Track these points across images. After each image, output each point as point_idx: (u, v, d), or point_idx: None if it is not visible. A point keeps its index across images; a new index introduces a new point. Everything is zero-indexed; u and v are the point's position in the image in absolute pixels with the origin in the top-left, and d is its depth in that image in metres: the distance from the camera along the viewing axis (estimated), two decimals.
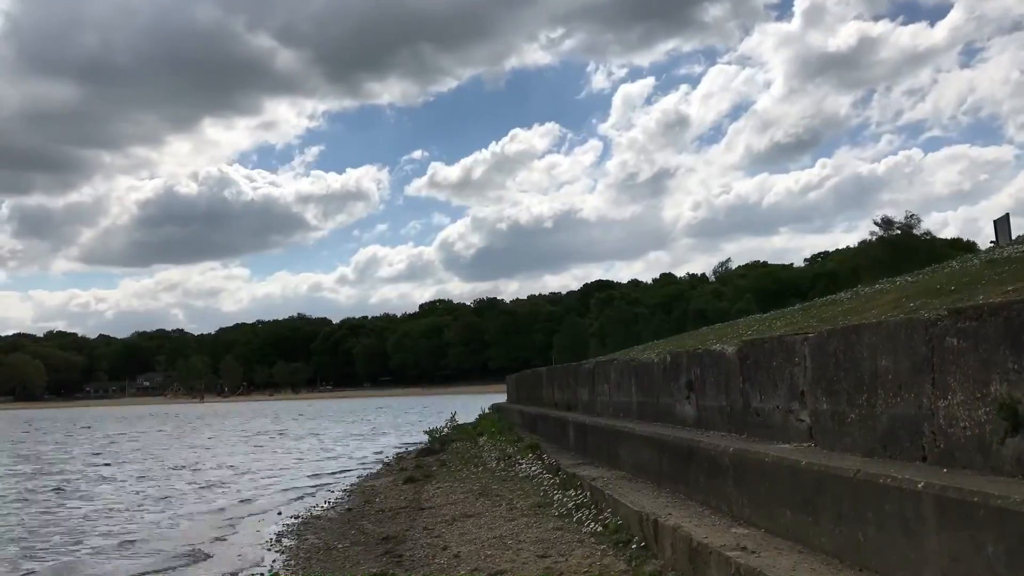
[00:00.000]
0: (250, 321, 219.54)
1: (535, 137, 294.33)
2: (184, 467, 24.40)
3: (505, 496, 11.60)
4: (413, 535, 9.88)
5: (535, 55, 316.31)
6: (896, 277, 14.46)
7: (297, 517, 13.24)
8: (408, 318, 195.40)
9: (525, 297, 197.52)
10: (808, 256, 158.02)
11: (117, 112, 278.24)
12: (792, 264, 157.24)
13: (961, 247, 76.62)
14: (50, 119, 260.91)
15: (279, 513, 14.05)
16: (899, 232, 79.41)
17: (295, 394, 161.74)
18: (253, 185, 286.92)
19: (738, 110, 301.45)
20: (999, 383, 4.11)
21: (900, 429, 4.96)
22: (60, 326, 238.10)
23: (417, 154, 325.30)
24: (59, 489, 19.42)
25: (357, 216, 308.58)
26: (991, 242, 30.35)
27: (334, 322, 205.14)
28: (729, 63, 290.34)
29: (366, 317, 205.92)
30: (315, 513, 13.55)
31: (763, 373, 6.96)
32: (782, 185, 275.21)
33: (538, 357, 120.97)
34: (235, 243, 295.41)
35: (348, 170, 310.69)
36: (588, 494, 9.54)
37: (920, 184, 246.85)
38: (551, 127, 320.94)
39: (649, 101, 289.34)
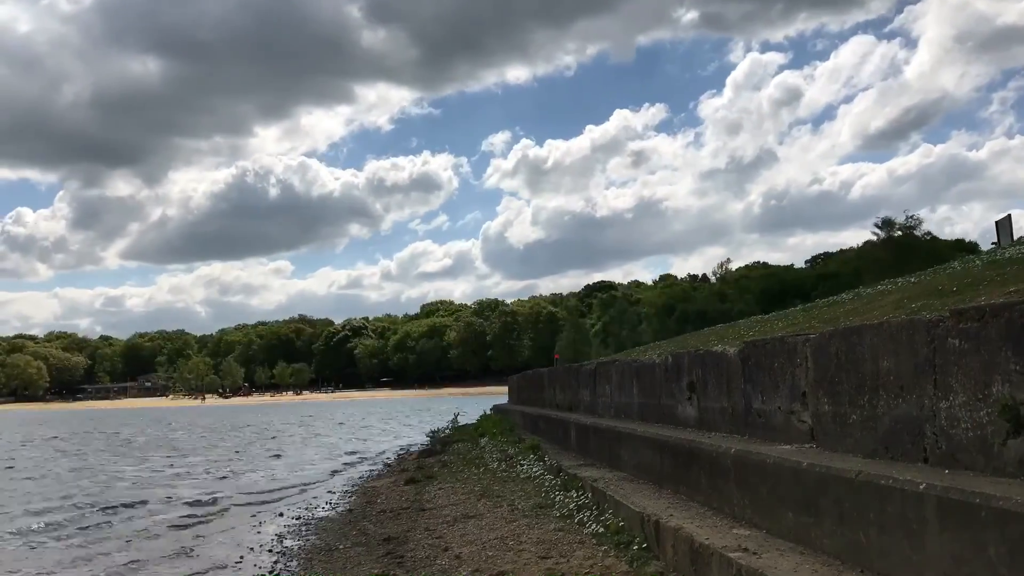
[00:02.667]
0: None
1: (638, 119, 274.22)
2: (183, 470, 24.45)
3: (506, 497, 11.59)
4: (415, 536, 9.87)
5: (662, 32, 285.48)
6: (898, 278, 14.46)
7: (298, 518, 13.25)
8: (409, 319, 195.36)
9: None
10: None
11: (201, 98, 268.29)
12: (793, 265, 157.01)
13: (963, 248, 76.70)
14: (129, 106, 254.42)
15: (280, 514, 14.05)
16: (899, 233, 79.42)
17: (297, 395, 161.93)
18: (326, 178, 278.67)
19: (856, 90, 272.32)
20: (1001, 384, 4.11)
21: (902, 430, 4.96)
22: (84, 323, 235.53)
23: (498, 139, 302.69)
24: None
25: (431, 206, 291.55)
26: (992, 243, 30.35)
27: (339, 322, 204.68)
28: (877, 37, 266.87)
29: (367, 318, 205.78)
30: (316, 514, 13.56)
31: (765, 374, 6.95)
32: (875, 175, 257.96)
33: (539, 358, 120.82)
34: (291, 238, 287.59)
35: (427, 158, 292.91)
36: (590, 495, 9.53)
37: (1021, 171, 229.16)
38: (659, 109, 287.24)
39: (768, 80, 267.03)
